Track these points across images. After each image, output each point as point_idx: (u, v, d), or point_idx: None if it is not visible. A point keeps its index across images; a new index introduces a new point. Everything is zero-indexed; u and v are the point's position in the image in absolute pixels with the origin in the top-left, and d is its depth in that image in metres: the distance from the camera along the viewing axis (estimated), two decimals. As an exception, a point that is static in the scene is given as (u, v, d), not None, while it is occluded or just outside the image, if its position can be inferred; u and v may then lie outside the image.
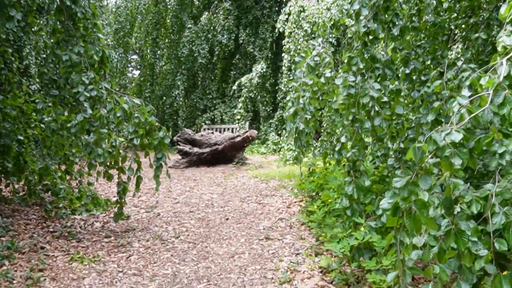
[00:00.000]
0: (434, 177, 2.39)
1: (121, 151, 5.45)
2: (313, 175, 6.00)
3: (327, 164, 6.30)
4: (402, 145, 4.40)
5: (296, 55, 12.82)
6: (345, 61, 4.16)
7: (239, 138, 11.37)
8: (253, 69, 16.02)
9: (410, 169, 3.94)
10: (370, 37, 3.97)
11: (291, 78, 13.46)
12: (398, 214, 2.35)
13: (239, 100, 15.85)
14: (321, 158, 6.53)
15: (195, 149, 11.66)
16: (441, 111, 3.51)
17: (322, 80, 5.13)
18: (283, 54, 13.58)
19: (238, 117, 15.48)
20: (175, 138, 12.10)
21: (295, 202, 6.68)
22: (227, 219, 5.98)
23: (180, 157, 11.92)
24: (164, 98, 18.26)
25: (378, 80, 3.89)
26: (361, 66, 3.83)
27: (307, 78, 5.14)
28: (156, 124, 5.24)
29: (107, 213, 6.39)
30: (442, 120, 3.62)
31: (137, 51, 23.78)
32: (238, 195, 7.45)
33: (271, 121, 16.10)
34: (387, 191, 3.92)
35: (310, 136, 4.97)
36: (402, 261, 2.48)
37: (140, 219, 6.06)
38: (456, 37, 5.37)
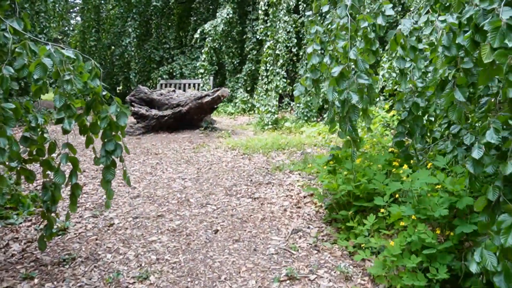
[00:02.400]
0: None
1: (47, 135, 3.34)
2: (340, 164, 4.07)
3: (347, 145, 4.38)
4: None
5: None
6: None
7: (208, 98, 9.26)
8: (217, 14, 13.66)
9: None
10: None
11: (268, 25, 11.27)
12: None
13: (202, 50, 13.53)
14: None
15: (154, 112, 9.48)
16: None
17: (380, 21, 3.15)
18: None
19: (201, 70, 13.21)
20: (128, 97, 9.87)
21: (304, 197, 4.80)
22: (215, 231, 4.02)
23: (135, 120, 9.71)
24: (113, 47, 15.67)
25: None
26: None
27: (357, 18, 3.14)
28: (104, 92, 3.13)
29: (35, 219, 4.30)
30: None
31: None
32: (219, 181, 5.48)
33: (238, 75, 14.00)
34: None
35: (365, 114, 3.03)
36: None
37: (83, 233, 4.00)
38: None
